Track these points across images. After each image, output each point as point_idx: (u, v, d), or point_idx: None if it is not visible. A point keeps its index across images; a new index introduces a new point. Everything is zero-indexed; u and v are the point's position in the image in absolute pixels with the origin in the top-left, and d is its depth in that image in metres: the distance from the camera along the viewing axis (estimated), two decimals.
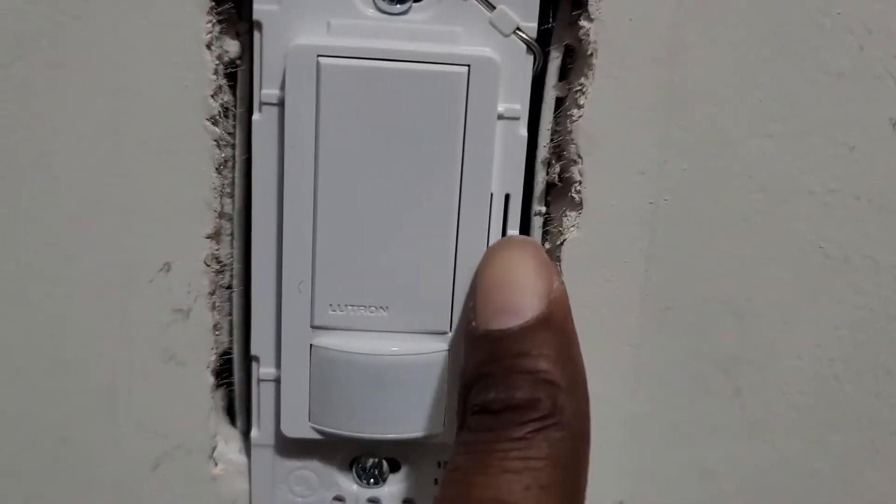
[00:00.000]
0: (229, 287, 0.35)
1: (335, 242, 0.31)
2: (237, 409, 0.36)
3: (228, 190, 0.34)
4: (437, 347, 0.32)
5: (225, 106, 0.33)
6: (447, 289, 0.32)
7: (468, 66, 0.30)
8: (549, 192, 0.34)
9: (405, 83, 0.30)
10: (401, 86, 0.30)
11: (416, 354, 0.32)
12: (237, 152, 0.33)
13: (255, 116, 0.31)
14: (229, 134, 0.33)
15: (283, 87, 0.30)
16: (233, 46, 0.32)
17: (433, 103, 0.30)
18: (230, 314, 0.35)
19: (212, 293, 0.34)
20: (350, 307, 0.32)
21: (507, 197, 0.32)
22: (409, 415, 0.33)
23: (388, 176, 0.31)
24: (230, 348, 0.35)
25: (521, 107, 0.32)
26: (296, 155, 0.31)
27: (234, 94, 0.33)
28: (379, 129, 0.30)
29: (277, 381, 0.33)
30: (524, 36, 0.31)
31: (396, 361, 0.32)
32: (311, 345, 0.32)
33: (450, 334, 0.32)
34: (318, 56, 0.30)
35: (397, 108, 0.30)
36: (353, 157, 0.30)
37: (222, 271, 0.34)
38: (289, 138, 0.30)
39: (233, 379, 0.36)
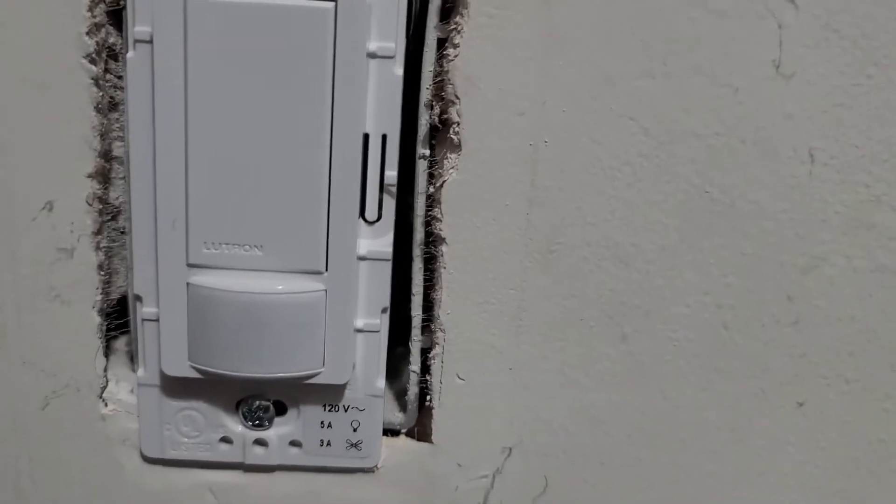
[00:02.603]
0: (124, 231, 0.35)
1: (207, 179, 0.31)
2: (133, 351, 0.36)
3: (118, 133, 0.34)
4: (313, 287, 0.32)
5: (108, 45, 0.33)
6: (321, 229, 0.32)
7: (335, 2, 0.30)
8: (433, 136, 0.34)
9: (272, 19, 0.30)
10: (268, 22, 0.30)
11: (292, 293, 0.32)
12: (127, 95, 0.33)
13: (129, 54, 0.31)
14: (118, 77, 0.33)
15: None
16: None
17: (300, 40, 0.30)
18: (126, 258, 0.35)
19: (96, 233, 0.34)
20: (225, 245, 0.32)
21: (384, 137, 0.32)
22: (287, 354, 0.33)
23: (260, 113, 0.31)
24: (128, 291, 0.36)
25: (396, 45, 0.31)
26: (166, 92, 0.31)
27: (122, 34, 0.33)
28: (248, 65, 0.30)
29: (158, 319, 0.33)
30: None
31: (271, 300, 0.32)
32: (187, 283, 0.32)
33: (325, 274, 0.32)
34: None
35: (266, 45, 0.30)
36: (224, 94, 0.30)
37: (110, 212, 0.35)
38: (158, 75, 0.30)
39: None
